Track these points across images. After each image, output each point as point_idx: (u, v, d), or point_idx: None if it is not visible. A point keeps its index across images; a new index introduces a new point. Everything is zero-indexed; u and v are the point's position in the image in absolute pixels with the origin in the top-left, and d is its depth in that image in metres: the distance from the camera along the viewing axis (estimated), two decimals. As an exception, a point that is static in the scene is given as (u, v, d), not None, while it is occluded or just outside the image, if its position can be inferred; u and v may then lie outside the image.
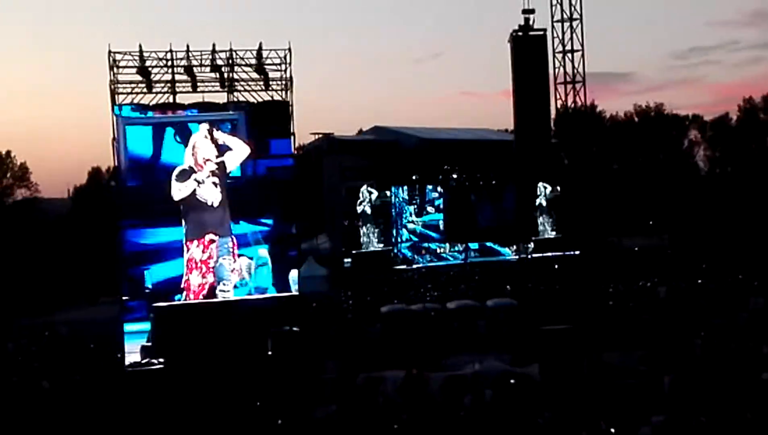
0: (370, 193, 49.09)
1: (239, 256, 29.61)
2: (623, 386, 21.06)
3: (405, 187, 49.97)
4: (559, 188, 52.91)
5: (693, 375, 21.51)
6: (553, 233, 52.83)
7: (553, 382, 21.69)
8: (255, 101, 29.68)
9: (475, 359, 23.93)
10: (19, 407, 22.15)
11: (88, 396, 22.94)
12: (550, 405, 19.03)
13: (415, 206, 50.43)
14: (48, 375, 24.98)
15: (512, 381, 21.34)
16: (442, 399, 21.28)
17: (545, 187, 52.84)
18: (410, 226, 49.98)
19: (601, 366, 23.39)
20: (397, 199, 49.61)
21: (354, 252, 48.19)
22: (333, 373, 24.18)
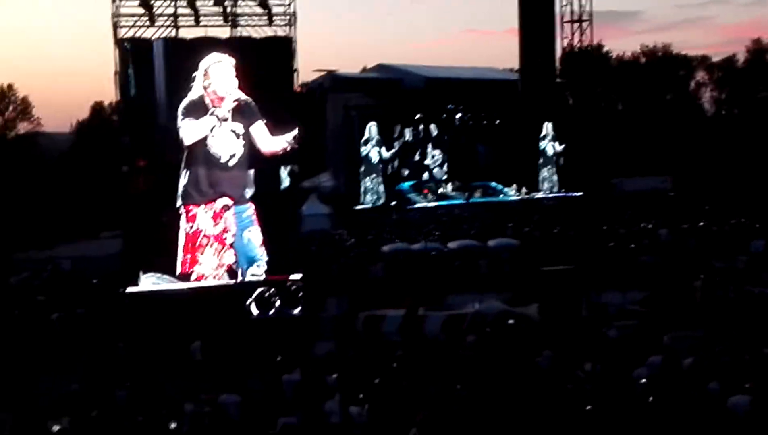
0: (375, 131, 48.91)
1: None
2: (621, 327, 21.17)
3: (409, 127, 49.87)
4: (563, 145, 52.59)
5: (691, 318, 21.64)
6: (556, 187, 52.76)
7: (551, 322, 21.83)
8: (258, 36, 29.32)
9: (475, 299, 24.12)
10: (26, 339, 22.48)
11: (91, 329, 23.23)
12: (548, 345, 19.15)
13: (419, 146, 50.34)
14: (52, 308, 25.20)
15: (511, 321, 21.44)
16: (442, 338, 21.46)
17: (553, 140, 52.57)
18: (413, 165, 50.00)
19: (599, 307, 23.53)
20: (402, 139, 49.58)
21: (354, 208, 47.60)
22: (334, 311, 24.34)
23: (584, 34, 57.17)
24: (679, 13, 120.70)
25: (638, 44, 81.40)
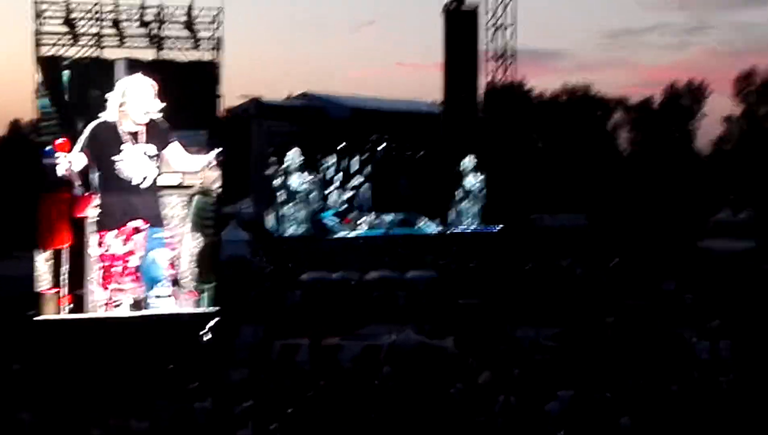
0: (296, 159, 48.82)
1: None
2: (534, 361, 21.49)
3: (332, 156, 49.96)
4: (483, 180, 53.05)
5: (602, 353, 22.07)
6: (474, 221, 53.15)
7: (467, 355, 22.04)
8: (183, 60, 29.16)
9: (392, 329, 24.21)
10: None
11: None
12: (463, 377, 19.34)
13: (341, 175, 50.44)
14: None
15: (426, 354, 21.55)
16: (358, 368, 21.48)
17: (473, 174, 53.07)
18: (335, 194, 50.05)
19: (514, 341, 23.85)
20: (324, 168, 49.64)
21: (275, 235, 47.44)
22: (249, 339, 24.16)
23: (507, 71, 58.22)
24: (601, 54, 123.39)
25: (560, 82, 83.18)
